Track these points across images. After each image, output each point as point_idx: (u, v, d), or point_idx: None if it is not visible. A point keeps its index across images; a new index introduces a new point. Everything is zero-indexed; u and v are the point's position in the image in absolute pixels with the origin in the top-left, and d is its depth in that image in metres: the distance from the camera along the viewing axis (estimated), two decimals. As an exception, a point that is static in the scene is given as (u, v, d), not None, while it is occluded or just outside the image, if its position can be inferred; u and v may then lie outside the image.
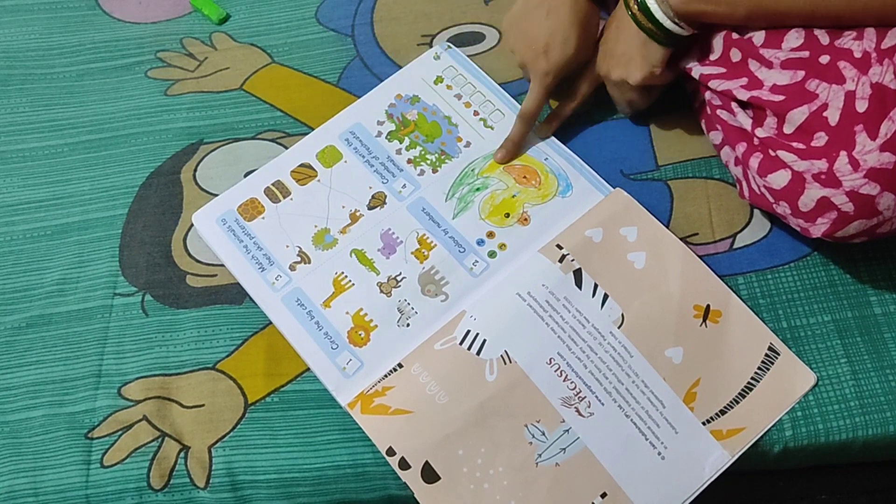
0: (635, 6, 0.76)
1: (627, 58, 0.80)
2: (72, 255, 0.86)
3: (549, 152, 0.86)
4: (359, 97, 0.94)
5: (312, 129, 0.92)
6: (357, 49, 0.99)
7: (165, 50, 1.01)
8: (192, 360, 0.79)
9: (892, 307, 0.77)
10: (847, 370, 0.74)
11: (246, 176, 0.90)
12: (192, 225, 0.86)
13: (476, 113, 0.89)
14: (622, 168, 0.86)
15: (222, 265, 0.83)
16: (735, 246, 0.81)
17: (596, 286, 0.76)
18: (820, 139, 0.69)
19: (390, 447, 0.71)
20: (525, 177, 0.85)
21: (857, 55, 0.69)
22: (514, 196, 0.84)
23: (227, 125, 0.94)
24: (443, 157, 0.87)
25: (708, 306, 0.76)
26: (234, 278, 0.82)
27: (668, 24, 0.75)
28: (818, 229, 0.71)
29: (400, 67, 0.96)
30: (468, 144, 0.87)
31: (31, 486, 0.74)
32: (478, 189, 0.85)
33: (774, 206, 0.74)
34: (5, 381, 0.79)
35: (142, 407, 0.77)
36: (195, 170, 0.91)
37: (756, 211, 0.83)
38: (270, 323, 0.80)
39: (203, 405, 0.77)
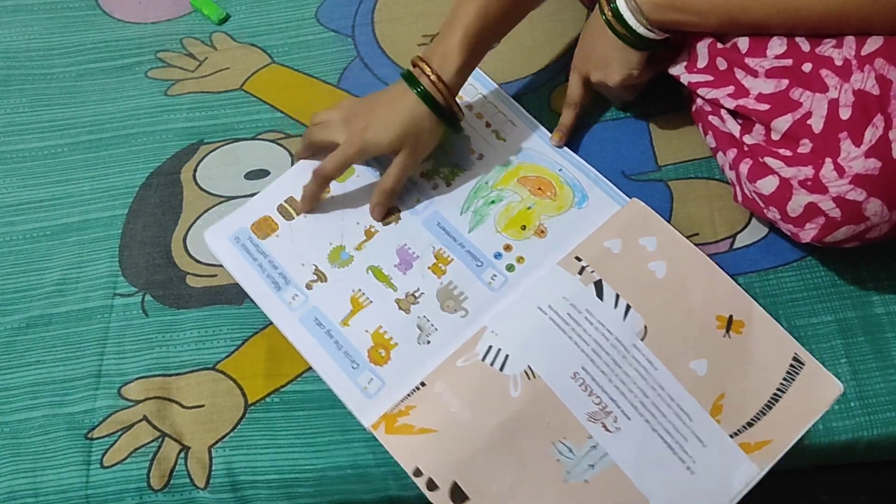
0: (609, 12, 0.77)
1: (605, 61, 0.81)
2: (72, 255, 0.86)
3: (563, 163, 0.85)
4: (359, 97, 0.94)
5: (313, 129, 0.92)
6: (357, 49, 0.99)
7: (165, 50, 1.01)
8: (192, 361, 0.79)
9: (895, 307, 0.77)
10: (849, 370, 0.74)
11: (246, 177, 0.90)
12: (192, 225, 0.86)
13: (488, 124, 0.88)
14: (622, 169, 0.86)
15: (222, 265, 0.82)
16: (735, 246, 0.81)
17: (618, 297, 0.75)
18: (805, 146, 0.69)
19: (417, 468, 0.69)
20: (540, 188, 0.84)
21: (839, 63, 0.69)
22: (529, 208, 0.83)
23: (227, 125, 0.94)
24: (456, 169, 0.86)
25: (731, 317, 0.74)
26: (234, 279, 0.82)
27: (640, 30, 0.76)
28: (807, 234, 0.71)
29: (400, 68, 0.96)
30: (480, 157, 0.86)
31: (31, 486, 0.74)
32: (493, 202, 0.83)
33: (765, 210, 0.74)
34: (5, 381, 0.79)
35: (142, 407, 0.77)
36: (195, 170, 0.91)
37: (756, 211, 0.83)
38: (271, 323, 0.79)
39: (203, 405, 0.76)
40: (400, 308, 0.78)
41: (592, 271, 0.76)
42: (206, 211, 0.88)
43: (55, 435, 0.76)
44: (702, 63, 0.78)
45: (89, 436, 0.76)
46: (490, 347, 0.74)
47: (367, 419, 0.73)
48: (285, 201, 0.84)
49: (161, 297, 0.83)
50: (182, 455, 0.74)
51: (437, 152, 0.84)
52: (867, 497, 0.89)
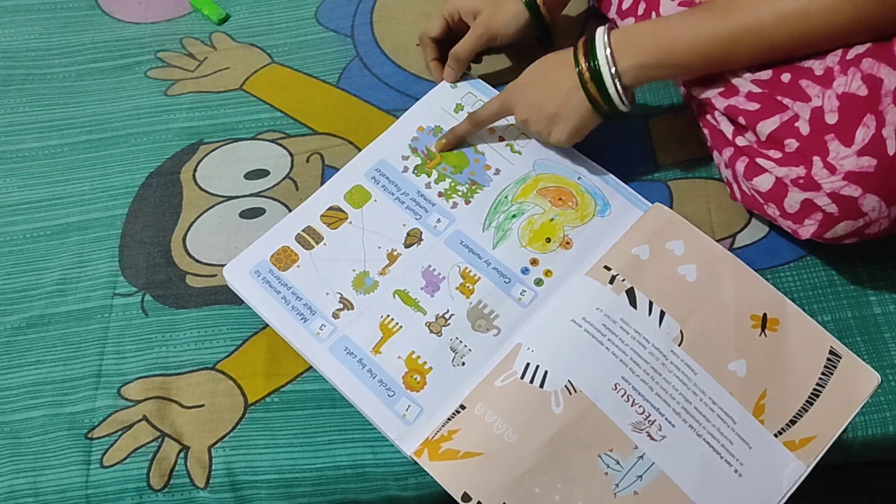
0: (588, 73, 0.74)
1: (557, 118, 0.78)
2: (72, 255, 0.86)
3: (582, 171, 0.84)
4: (359, 97, 0.94)
5: (312, 130, 0.92)
6: (357, 49, 0.99)
7: (165, 50, 1.01)
8: (192, 361, 0.79)
9: (892, 307, 0.77)
10: (847, 370, 0.74)
11: (246, 177, 0.90)
12: (191, 225, 0.86)
13: (501, 138, 0.87)
14: (622, 168, 0.86)
15: (222, 265, 0.82)
16: (735, 246, 0.81)
17: (651, 304, 0.74)
18: (791, 145, 0.69)
19: (465, 493, 0.68)
20: (561, 199, 0.83)
21: (819, 73, 0.68)
22: (552, 220, 0.82)
23: (227, 125, 0.94)
24: (473, 186, 0.85)
25: (765, 315, 0.74)
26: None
27: (616, 100, 0.74)
28: (807, 230, 0.71)
29: (400, 68, 0.96)
30: (497, 171, 0.85)
31: (31, 486, 0.74)
32: (514, 216, 0.82)
33: (765, 207, 0.74)
34: (5, 381, 0.79)
35: (142, 407, 0.77)
36: (195, 170, 0.91)
37: (756, 211, 0.83)
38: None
39: (203, 405, 0.77)
40: (431, 331, 0.77)
41: (623, 280, 0.75)
42: (206, 211, 0.88)
43: (55, 435, 0.76)
44: None
45: (89, 436, 0.76)
46: (528, 365, 0.73)
47: (408, 447, 0.71)
48: (303, 231, 0.83)
49: (161, 296, 0.83)
50: (182, 455, 0.74)
51: (454, 164, 0.85)
52: (866, 497, 0.89)
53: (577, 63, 0.75)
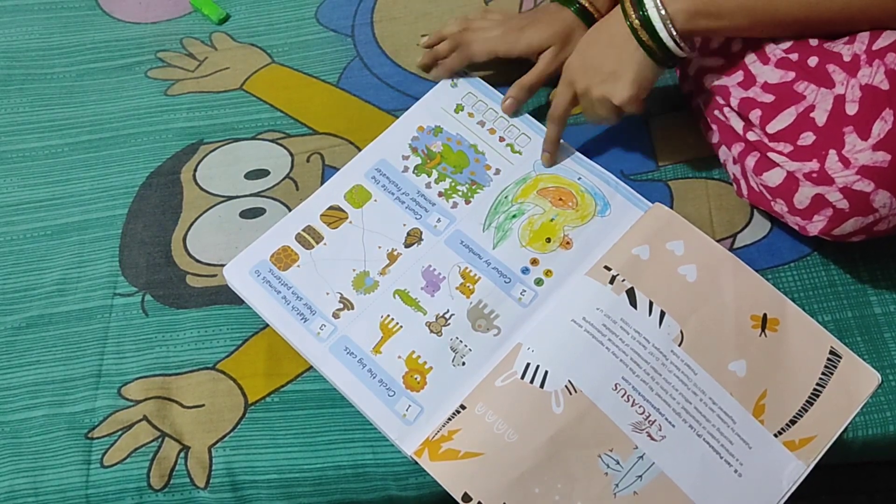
0: (637, 21, 0.74)
1: (617, 75, 0.77)
2: (72, 255, 0.86)
3: (582, 171, 0.84)
4: (359, 97, 0.94)
5: (312, 130, 0.92)
6: (357, 49, 0.99)
7: (165, 50, 1.01)
8: (192, 360, 0.79)
9: (892, 307, 0.77)
10: (847, 370, 0.74)
11: (246, 176, 0.90)
12: (192, 225, 0.86)
13: (502, 139, 0.87)
14: (622, 168, 0.86)
15: (222, 265, 0.82)
16: (735, 246, 0.81)
17: (651, 304, 0.74)
18: (807, 139, 0.69)
19: (465, 493, 0.68)
20: (561, 199, 0.83)
21: (847, 59, 0.69)
22: (552, 220, 0.82)
23: (227, 125, 0.94)
24: (474, 186, 0.85)
25: (765, 315, 0.74)
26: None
27: (669, 43, 0.73)
28: (815, 227, 0.71)
29: (400, 67, 0.96)
30: (498, 172, 0.85)
31: (31, 486, 0.74)
32: (514, 216, 0.82)
33: (772, 203, 0.74)
34: (5, 381, 0.79)
35: (142, 407, 0.77)
36: (195, 170, 0.91)
37: (756, 211, 0.83)
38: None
39: (203, 405, 0.77)
40: (431, 331, 0.77)
41: (623, 280, 0.75)
42: (206, 211, 0.88)
43: (55, 435, 0.76)
44: (715, 44, 0.77)
45: (89, 435, 0.76)
46: (528, 365, 0.73)
47: (408, 447, 0.71)
48: (303, 230, 0.83)
49: (161, 296, 0.83)
50: (182, 455, 0.74)
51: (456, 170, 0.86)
52: (866, 497, 0.89)
53: (626, 17, 0.75)
